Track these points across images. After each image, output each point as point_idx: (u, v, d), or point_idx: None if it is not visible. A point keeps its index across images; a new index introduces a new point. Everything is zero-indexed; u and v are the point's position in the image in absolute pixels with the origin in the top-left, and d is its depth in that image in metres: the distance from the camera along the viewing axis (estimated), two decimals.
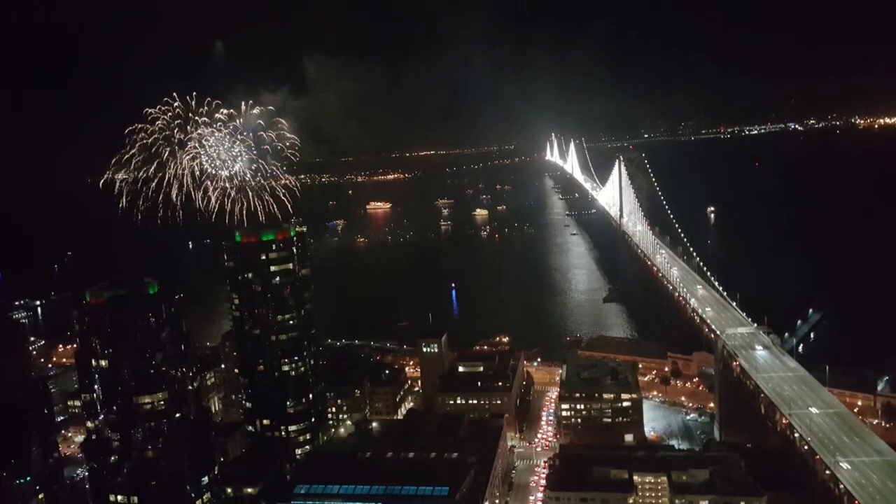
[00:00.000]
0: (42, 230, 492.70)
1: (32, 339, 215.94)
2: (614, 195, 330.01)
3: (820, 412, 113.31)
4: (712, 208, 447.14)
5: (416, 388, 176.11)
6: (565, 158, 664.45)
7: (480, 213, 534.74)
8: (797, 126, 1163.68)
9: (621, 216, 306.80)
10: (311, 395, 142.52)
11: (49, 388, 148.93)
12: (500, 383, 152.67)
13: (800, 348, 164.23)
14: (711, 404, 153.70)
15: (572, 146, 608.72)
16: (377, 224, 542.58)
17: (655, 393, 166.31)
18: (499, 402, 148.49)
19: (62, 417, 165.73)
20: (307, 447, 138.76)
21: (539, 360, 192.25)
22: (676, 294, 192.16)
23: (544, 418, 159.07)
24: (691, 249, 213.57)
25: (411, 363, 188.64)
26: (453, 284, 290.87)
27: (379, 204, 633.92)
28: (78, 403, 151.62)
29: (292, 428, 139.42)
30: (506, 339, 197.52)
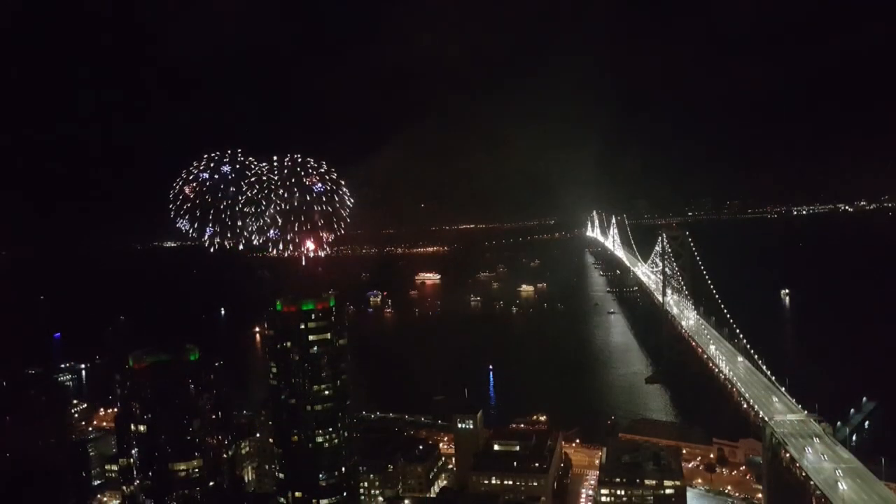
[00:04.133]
0: (96, 294, 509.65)
1: (75, 401, 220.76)
2: (657, 273, 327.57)
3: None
4: (787, 290, 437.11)
5: (450, 466, 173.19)
6: (606, 235, 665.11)
7: (526, 289, 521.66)
8: (847, 207, 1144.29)
9: (664, 294, 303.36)
10: (343, 469, 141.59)
11: (88, 452, 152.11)
12: (536, 464, 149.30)
13: (853, 439, 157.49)
14: (759, 495, 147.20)
15: (614, 222, 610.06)
16: (424, 296, 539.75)
17: (699, 480, 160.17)
18: (535, 483, 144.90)
19: (99, 481, 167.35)
20: None
21: (577, 441, 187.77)
22: (722, 377, 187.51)
23: (582, 503, 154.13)
24: (737, 330, 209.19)
25: (445, 439, 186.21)
26: (490, 367, 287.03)
27: (428, 275, 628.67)
28: (115, 468, 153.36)
29: (324, 502, 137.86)
30: (543, 418, 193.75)
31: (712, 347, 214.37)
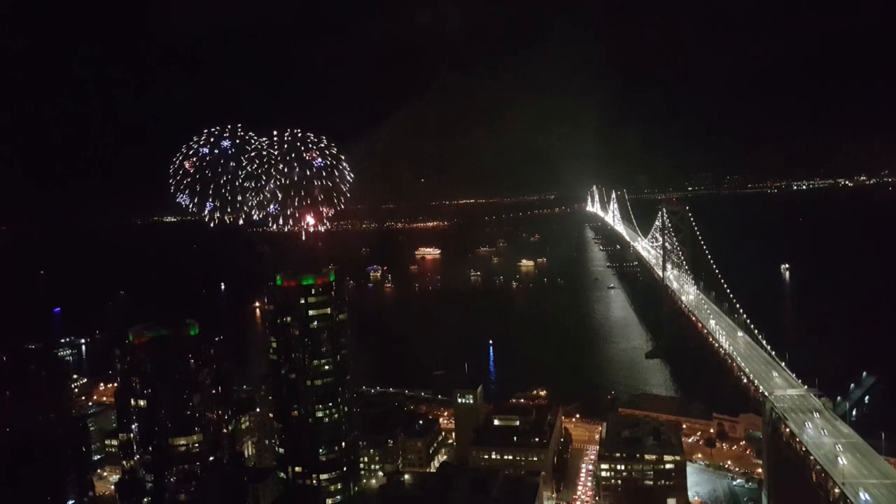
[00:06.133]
0: (96, 269, 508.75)
1: (75, 376, 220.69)
2: (657, 248, 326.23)
3: (876, 482, 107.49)
4: (787, 265, 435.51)
5: (450, 441, 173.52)
6: (606, 210, 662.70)
7: (526, 263, 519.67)
8: (847, 182, 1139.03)
9: (664, 269, 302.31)
10: (343, 444, 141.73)
11: (88, 427, 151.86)
12: (536, 439, 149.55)
13: (853, 413, 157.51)
14: (759, 470, 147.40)
15: (614, 197, 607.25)
16: (424, 271, 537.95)
17: (699, 455, 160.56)
18: (535, 458, 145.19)
19: (99, 456, 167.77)
20: (338, 497, 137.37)
21: (578, 416, 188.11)
22: (722, 352, 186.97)
23: (582, 478, 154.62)
24: (738, 305, 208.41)
25: (445, 414, 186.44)
26: (490, 342, 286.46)
27: (428, 250, 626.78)
28: (115, 443, 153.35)
29: (324, 476, 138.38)
30: (543, 393, 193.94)
31: (712, 322, 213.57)
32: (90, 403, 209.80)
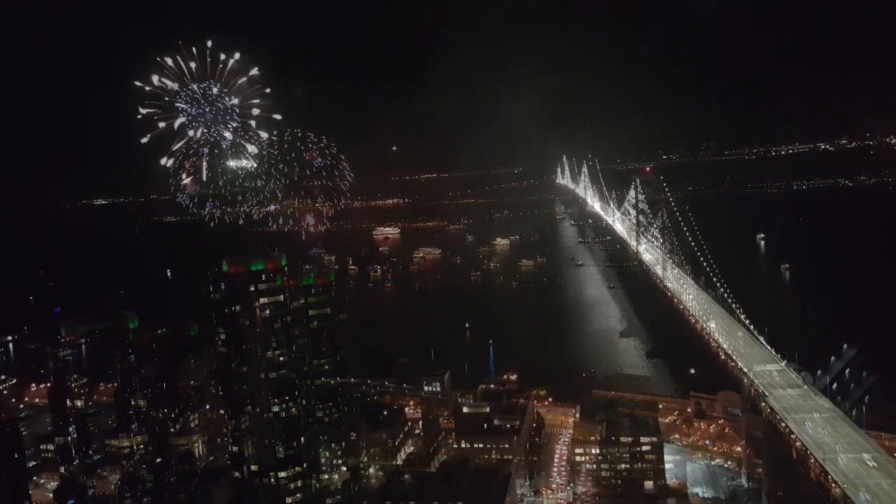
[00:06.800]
0: (15, 258, 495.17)
1: (3, 377, 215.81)
2: (630, 221, 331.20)
3: (856, 456, 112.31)
4: (762, 235, 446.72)
5: (417, 431, 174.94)
6: (577, 182, 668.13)
7: (501, 242, 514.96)
8: (828, 146, 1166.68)
9: (638, 243, 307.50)
10: (302, 439, 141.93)
11: (20, 431, 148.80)
12: (508, 425, 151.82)
13: (833, 387, 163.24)
14: (738, 448, 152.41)
15: (585, 169, 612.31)
16: (383, 253, 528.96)
17: (677, 436, 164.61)
18: (506, 446, 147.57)
19: (34, 462, 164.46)
20: (298, 495, 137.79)
21: (550, 399, 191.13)
22: (699, 327, 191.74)
23: (556, 464, 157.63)
24: (715, 280, 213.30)
25: (411, 403, 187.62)
26: (467, 324, 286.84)
27: (387, 230, 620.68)
28: (51, 447, 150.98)
29: (282, 474, 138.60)
30: (513, 377, 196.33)
31: (689, 297, 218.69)
32: (21, 406, 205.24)
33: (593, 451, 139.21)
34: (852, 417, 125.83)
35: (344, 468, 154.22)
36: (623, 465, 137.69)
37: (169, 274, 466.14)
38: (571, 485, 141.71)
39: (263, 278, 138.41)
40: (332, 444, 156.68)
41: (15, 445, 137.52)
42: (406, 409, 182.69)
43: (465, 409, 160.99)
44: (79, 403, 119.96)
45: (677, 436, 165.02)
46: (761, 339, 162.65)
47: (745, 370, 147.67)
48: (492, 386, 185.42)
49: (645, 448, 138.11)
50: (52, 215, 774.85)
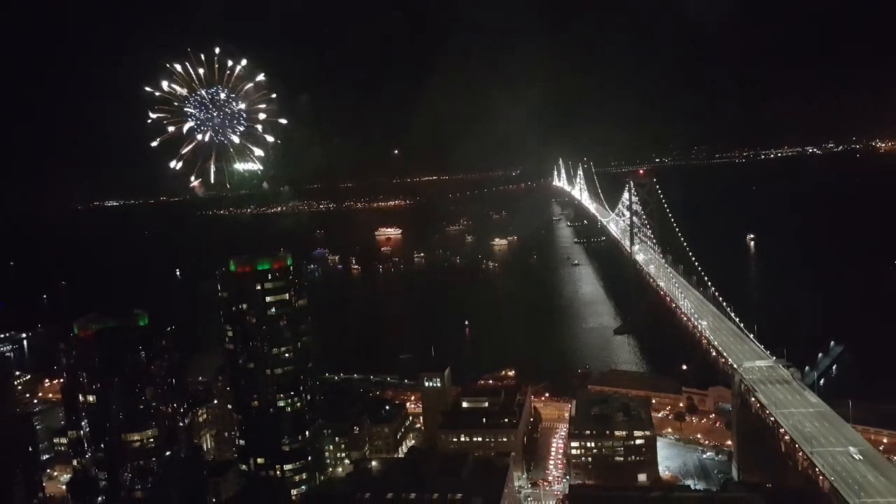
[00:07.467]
0: (31, 258, 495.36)
1: (18, 373, 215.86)
2: (625, 222, 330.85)
3: (843, 450, 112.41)
4: (752, 235, 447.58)
5: (418, 425, 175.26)
6: (573, 184, 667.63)
7: (499, 242, 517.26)
8: (815, 150, 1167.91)
9: (632, 244, 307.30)
10: (307, 433, 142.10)
11: (34, 425, 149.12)
12: (506, 420, 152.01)
13: (821, 382, 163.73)
14: (729, 442, 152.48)
15: (580, 171, 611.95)
16: (385, 253, 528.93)
17: (670, 430, 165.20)
18: (505, 439, 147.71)
19: (47, 456, 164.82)
20: (303, 487, 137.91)
21: (547, 395, 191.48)
22: (691, 325, 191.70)
23: (553, 457, 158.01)
24: (706, 279, 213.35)
25: (412, 398, 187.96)
26: (466, 322, 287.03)
27: (389, 230, 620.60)
28: (64, 441, 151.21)
29: (287, 467, 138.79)
30: (511, 374, 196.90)
31: (681, 296, 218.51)
32: (35, 401, 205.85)
33: (589, 444, 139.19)
34: (839, 412, 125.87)
35: (347, 461, 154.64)
36: (618, 459, 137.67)
37: (178, 273, 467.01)
38: (567, 477, 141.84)
39: (269, 277, 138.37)
40: (337, 438, 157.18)
41: (29, 439, 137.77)
42: (407, 404, 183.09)
43: (464, 404, 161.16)
44: (91, 398, 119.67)
45: (670, 430, 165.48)
46: (751, 336, 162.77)
47: (735, 366, 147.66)
48: (490, 381, 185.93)
49: (638, 441, 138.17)
50: (64, 216, 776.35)
